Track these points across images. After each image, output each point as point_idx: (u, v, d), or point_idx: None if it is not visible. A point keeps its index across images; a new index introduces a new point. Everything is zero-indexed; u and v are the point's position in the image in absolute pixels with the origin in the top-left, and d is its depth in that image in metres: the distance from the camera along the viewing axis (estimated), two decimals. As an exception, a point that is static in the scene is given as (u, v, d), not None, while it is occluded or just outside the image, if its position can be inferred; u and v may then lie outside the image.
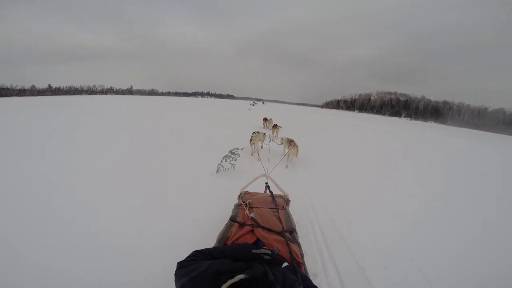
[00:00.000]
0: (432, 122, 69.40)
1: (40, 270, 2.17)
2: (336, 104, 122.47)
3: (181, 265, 1.19)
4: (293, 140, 6.38)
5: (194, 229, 2.84)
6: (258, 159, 5.31)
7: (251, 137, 6.90)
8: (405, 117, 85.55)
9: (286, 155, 6.06)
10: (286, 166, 5.91)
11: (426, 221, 3.68)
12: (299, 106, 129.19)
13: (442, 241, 3.18)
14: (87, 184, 4.00)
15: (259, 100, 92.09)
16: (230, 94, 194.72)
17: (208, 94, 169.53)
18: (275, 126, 10.58)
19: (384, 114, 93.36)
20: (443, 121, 76.60)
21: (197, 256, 1.28)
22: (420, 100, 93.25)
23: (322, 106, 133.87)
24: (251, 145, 6.83)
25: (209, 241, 2.18)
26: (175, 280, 1.11)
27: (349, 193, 4.47)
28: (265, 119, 13.70)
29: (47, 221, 2.93)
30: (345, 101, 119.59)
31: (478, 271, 2.64)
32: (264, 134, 7.79)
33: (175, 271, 1.15)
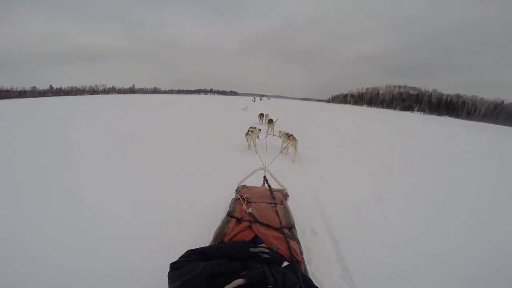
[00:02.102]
0: (447, 117, 66.54)
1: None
2: (343, 99, 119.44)
3: (174, 267, 1.11)
4: (292, 135, 6.35)
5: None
6: (256, 152, 5.07)
7: (247, 131, 6.84)
8: (417, 111, 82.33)
9: (285, 149, 6.21)
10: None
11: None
12: (304, 101, 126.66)
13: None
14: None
15: (263, 96, 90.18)
16: (233, 90, 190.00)
17: (211, 91, 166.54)
18: (270, 121, 10.68)
19: (394, 108, 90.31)
20: (458, 115, 73.76)
21: (191, 256, 1.19)
22: (431, 93, 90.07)
23: (328, 101, 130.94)
24: (247, 140, 6.84)
25: (206, 238, 2.22)
26: (168, 283, 1.05)
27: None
28: (261, 115, 13.70)
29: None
30: (352, 95, 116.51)
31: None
32: (260, 129, 7.82)
33: (168, 273, 1.08)
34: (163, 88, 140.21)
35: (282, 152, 6.08)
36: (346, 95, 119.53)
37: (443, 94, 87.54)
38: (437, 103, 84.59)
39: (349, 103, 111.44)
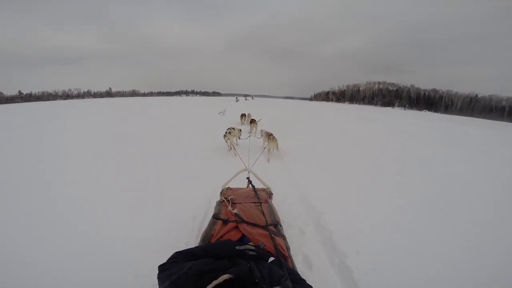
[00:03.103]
0: (426, 111, 68.45)
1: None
2: (325, 96, 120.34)
3: (162, 268, 1.13)
4: (272, 134, 6.43)
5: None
6: (235, 155, 5.12)
7: (225, 133, 6.66)
8: (398, 106, 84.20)
9: (267, 149, 6.17)
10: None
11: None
12: (287, 99, 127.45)
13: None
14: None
15: (247, 95, 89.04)
16: (216, 91, 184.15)
17: (193, 92, 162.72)
18: (252, 121, 10.53)
19: (376, 104, 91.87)
20: (437, 110, 76.08)
21: (178, 258, 1.23)
22: (409, 89, 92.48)
23: (310, 99, 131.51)
24: (226, 141, 6.64)
25: (194, 241, 2.52)
26: (158, 284, 1.08)
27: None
28: (242, 115, 13.72)
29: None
30: (334, 93, 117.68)
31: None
32: (240, 130, 7.60)
33: (157, 275, 1.11)
34: (142, 91, 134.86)
35: (263, 152, 6.05)
36: (328, 93, 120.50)
37: (421, 89, 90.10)
38: (416, 98, 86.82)
39: (331, 100, 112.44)
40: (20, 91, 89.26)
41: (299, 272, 1.34)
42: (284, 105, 40.26)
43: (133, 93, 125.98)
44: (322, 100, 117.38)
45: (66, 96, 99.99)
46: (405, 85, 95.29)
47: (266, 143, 6.40)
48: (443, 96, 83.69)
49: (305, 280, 1.21)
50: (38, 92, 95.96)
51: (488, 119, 49.54)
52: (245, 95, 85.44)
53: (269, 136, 6.35)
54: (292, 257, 1.64)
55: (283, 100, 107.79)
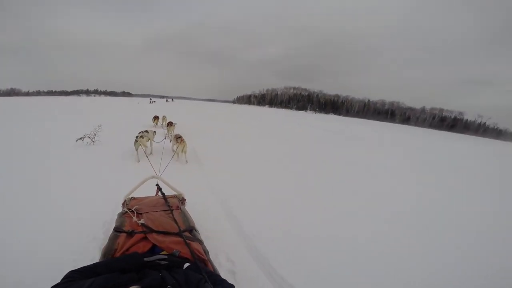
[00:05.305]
0: (333, 114, 77.74)
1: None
2: (247, 100, 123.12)
3: None
4: (180, 136, 6.20)
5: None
6: (148, 155, 4.86)
7: (137, 138, 5.87)
8: (309, 110, 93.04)
9: (176, 154, 5.99)
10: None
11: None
12: (209, 102, 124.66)
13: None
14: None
15: (168, 97, 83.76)
16: (126, 91, 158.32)
17: (96, 92, 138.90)
18: (170, 123, 9.85)
19: (291, 108, 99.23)
20: (340, 113, 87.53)
21: (74, 277, 1.06)
22: (318, 94, 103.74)
23: (233, 102, 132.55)
24: (136, 148, 5.79)
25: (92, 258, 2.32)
26: None
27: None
28: (155, 117, 12.84)
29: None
30: (255, 96, 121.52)
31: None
32: (154, 132, 6.89)
33: None
34: (25, 89, 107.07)
35: (178, 156, 5.97)
36: (250, 96, 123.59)
37: (327, 95, 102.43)
38: (325, 103, 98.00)
39: (253, 103, 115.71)
40: None
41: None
42: (208, 108, 37.90)
43: (11, 92, 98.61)
44: (245, 103, 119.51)
45: None
46: (315, 91, 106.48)
47: (175, 146, 6.13)
48: (344, 101, 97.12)
49: (226, 280, 1.19)
50: None
51: (378, 120, 59.31)
52: (163, 97, 79.70)
53: (177, 139, 6.05)
54: (212, 260, 1.62)
55: (206, 102, 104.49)
